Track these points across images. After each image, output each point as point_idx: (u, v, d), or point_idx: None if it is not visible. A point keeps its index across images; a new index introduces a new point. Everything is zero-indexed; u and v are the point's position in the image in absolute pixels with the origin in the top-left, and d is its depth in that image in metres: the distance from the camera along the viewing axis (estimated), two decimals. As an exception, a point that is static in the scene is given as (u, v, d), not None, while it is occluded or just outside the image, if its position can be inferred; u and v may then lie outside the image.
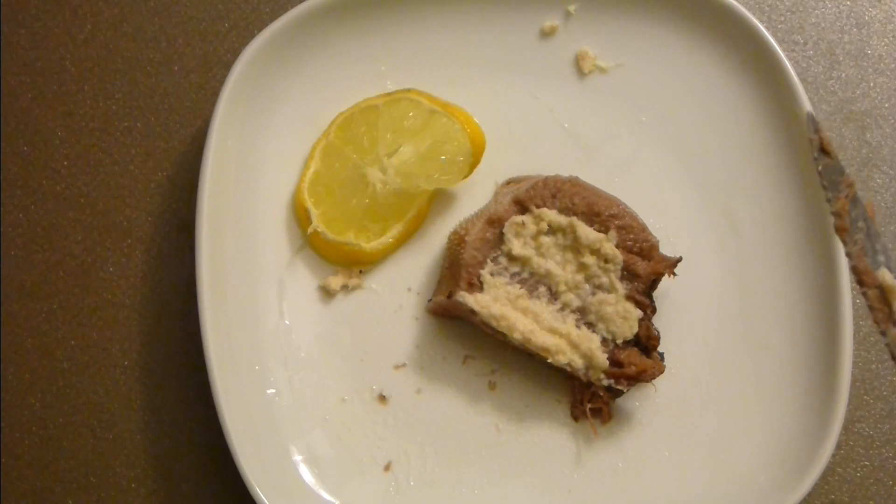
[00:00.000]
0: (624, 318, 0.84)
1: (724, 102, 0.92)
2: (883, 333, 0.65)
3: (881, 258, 0.66)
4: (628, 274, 0.85)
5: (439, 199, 0.92)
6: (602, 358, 0.83)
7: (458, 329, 0.89)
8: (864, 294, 0.66)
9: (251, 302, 0.88)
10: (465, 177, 0.89)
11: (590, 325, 0.85)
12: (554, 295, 0.85)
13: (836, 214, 0.66)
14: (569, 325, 0.84)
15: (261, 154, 0.91)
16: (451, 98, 0.92)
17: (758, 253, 0.90)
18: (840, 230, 0.66)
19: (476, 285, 0.84)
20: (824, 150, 0.67)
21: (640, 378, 0.84)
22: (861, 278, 0.66)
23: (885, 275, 0.65)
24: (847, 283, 0.85)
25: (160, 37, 0.98)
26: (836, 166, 0.67)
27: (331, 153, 0.91)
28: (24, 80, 0.96)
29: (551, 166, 0.90)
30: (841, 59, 0.99)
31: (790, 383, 0.87)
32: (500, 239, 0.85)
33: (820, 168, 0.67)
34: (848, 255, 0.66)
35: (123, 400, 0.91)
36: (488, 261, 0.85)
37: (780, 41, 0.96)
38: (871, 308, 0.66)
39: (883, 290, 0.65)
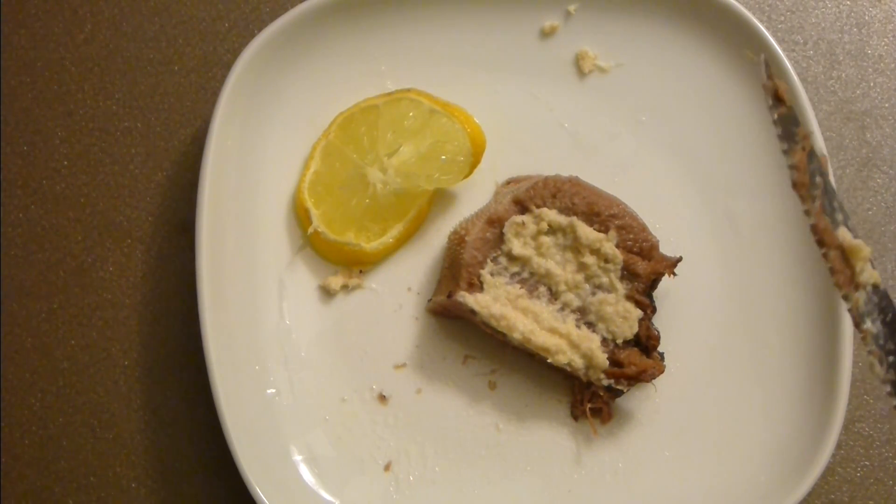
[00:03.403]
0: (624, 318, 0.84)
1: (724, 102, 0.92)
2: (845, 298, 0.62)
3: (839, 216, 0.62)
4: (628, 274, 0.85)
5: (439, 199, 0.92)
6: (602, 358, 0.83)
7: (458, 329, 0.89)
8: (825, 255, 0.62)
9: (251, 302, 0.88)
10: (466, 177, 0.89)
11: (590, 325, 0.85)
12: (554, 295, 0.85)
13: (794, 168, 0.62)
14: (569, 325, 0.84)
15: (261, 154, 0.91)
16: (451, 98, 0.92)
17: (758, 253, 0.90)
18: (799, 185, 0.62)
19: (476, 285, 0.84)
20: (779, 98, 0.62)
21: (640, 378, 0.84)
22: (821, 238, 0.62)
23: (844, 234, 0.62)
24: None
25: (160, 37, 0.98)
26: (791, 115, 0.62)
27: (331, 153, 0.91)
28: (24, 80, 0.96)
29: (551, 166, 0.90)
30: (841, 59, 0.99)
31: (790, 383, 0.87)
32: (500, 239, 0.85)
33: (775, 117, 0.62)
34: (806, 212, 0.62)
35: (123, 400, 0.91)
36: (488, 261, 0.85)
37: (780, 41, 0.96)
38: (832, 271, 0.62)
39: (843, 251, 0.62)
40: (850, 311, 0.62)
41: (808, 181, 0.62)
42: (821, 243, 0.62)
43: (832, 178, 0.82)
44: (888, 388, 0.60)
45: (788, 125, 0.62)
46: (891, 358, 0.60)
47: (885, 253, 0.95)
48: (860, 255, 0.62)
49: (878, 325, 0.61)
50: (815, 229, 0.62)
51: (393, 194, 0.89)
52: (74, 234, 0.94)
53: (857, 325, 0.61)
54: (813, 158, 0.62)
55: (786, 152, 0.62)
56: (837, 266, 0.62)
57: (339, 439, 0.87)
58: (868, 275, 0.61)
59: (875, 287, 0.62)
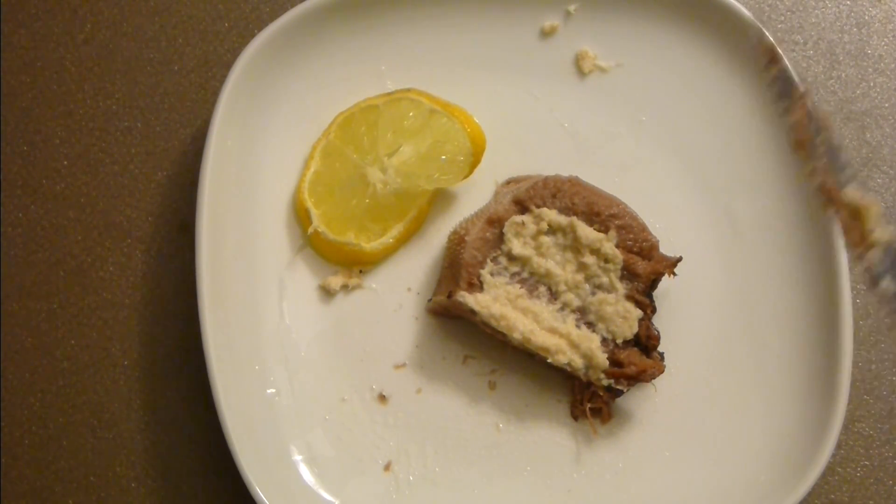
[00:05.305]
0: (624, 317, 0.84)
1: (724, 102, 0.92)
2: (859, 258, 0.59)
3: (847, 174, 0.60)
4: (628, 274, 0.85)
5: (439, 199, 0.92)
6: (602, 358, 0.83)
7: (458, 329, 0.89)
8: (836, 214, 0.60)
9: (251, 302, 0.88)
10: (466, 177, 0.89)
11: (590, 325, 0.85)
12: (554, 295, 0.85)
13: (794, 127, 0.60)
14: (569, 324, 0.84)
15: (261, 154, 0.91)
16: (451, 98, 0.92)
17: (758, 253, 0.90)
18: (799, 144, 0.60)
19: (476, 285, 0.84)
20: (772, 58, 0.61)
21: (640, 378, 0.84)
22: (829, 197, 0.60)
23: (852, 194, 0.60)
24: (847, 282, 0.85)
25: (160, 37, 0.98)
26: (786, 74, 0.61)
27: (331, 153, 0.91)
28: (24, 80, 0.96)
29: (551, 166, 0.90)
30: (841, 59, 0.99)
31: (790, 383, 0.87)
32: (500, 239, 0.85)
33: (771, 77, 0.62)
34: (811, 172, 0.60)
35: (123, 400, 0.91)
36: (488, 261, 0.85)
37: (780, 41, 0.96)
38: (843, 230, 0.60)
39: (852, 210, 0.60)
40: (865, 271, 0.59)
41: (809, 138, 0.59)
42: (828, 203, 0.60)
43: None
44: None
45: (784, 83, 0.61)
46: None
47: (885, 253, 0.95)
48: (870, 213, 0.59)
49: (895, 284, 0.58)
50: (821, 189, 0.60)
51: (393, 194, 0.89)
52: (74, 234, 0.94)
53: (874, 285, 0.58)
54: (813, 115, 0.60)
55: (784, 112, 0.60)
56: (848, 225, 0.60)
57: (339, 439, 0.87)
58: (880, 232, 0.59)
59: (889, 245, 0.58)
